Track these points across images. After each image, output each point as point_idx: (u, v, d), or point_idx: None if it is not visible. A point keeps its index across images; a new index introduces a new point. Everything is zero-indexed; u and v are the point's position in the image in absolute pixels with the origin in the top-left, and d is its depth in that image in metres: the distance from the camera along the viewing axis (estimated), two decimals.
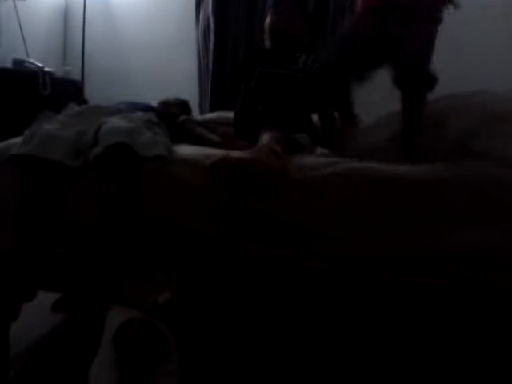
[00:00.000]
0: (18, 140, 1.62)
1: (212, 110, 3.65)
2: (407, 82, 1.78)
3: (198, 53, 4.01)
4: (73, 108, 1.87)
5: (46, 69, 3.23)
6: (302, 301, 1.56)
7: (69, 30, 4.22)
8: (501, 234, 1.43)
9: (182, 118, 2.09)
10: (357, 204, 1.50)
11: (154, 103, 2.23)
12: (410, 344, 1.64)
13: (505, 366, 1.54)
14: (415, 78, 1.75)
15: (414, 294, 1.49)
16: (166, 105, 2.23)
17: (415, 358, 1.71)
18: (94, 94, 3.66)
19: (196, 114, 3.22)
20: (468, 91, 1.85)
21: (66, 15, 4.24)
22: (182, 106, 2.32)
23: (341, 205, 1.50)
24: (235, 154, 1.55)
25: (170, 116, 2.05)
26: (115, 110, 1.83)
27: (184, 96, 2.44)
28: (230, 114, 2.32)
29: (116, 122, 1.62)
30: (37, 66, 3.22)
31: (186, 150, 1.69)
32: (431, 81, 1.74)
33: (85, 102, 2.51)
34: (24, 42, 3.54)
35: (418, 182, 1.50)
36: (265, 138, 1.67)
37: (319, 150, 2.08)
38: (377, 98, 2.36)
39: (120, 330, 1.09)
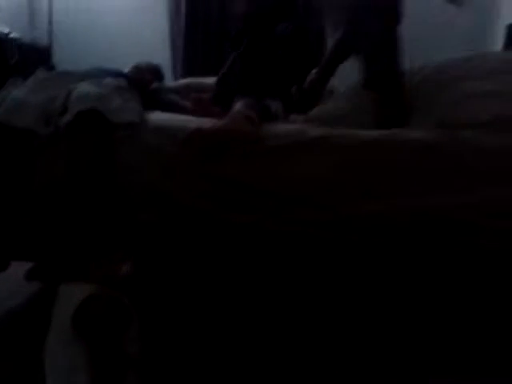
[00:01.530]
0: None
1: (185, 74, 3.60)
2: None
3: (170, 15, 3.92)
4: (41, 74, 1.81)
5: (13, 35, 3.12)
6: (279, 265, 1.58)
7: None
8: (471, 197, 1.46)
9: (154, 85, 2.06)
10: (330, 170, 1.51)
11: (125, 69, 2.18)
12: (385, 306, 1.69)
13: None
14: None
15: (388, 256, 1.52)
16: (138, 70, 2.18)
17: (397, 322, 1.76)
18: (62, 59, 3.56)
19: (169, 78, 3.18)
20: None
21: None
22: (154, 71, 2.28)
23: (314, 171, 1.51)
24: (209, 125, 1.54)
25: (143, 82, 2.02)
26: (84, 76, 1.79)
27: (156, 60, 2.39)
28: (203, 80, 2.30)
29: (86, 87, 1.59)
30: (1, 32, 3.10)
31: (158, 117, 1.67)
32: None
33: (53, 67, 2.45)
34: None
35: (390, 146, 1.51)
36: (239, 104, 1.66)
37: (294, 116, 2.08)
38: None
39: (80, 309, 1.07)
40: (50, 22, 3.86)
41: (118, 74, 1.95)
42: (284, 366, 1.56)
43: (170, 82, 2.86)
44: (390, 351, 1.64)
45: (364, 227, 1.49)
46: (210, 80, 2.33)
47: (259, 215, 1.51)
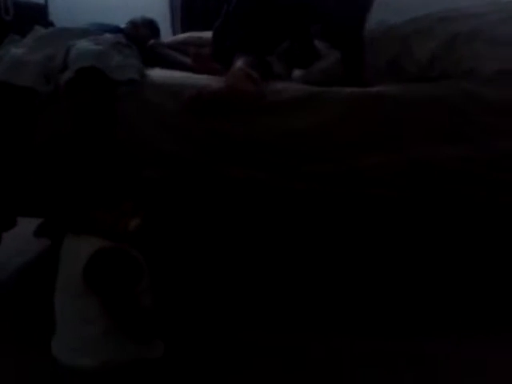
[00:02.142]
0: None
1: (184, 28, 3.53)
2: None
3: None
4: (39, 31, 1.79)
5: None
6: (282, 219, 1.61)
7: None
8: (473, 149, 1.47)
9: (153, 41, 2.03)
10: (332, 123, 1.51)
11: (122, 25, 2.15)
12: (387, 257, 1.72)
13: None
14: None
15: (388, 208, 1.54)
16: (133, 25, 2.13)
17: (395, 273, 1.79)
18: (58, 16, 3.49)
19: (167, 34, 3.13)
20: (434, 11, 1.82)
21: None
22: (150, 26, 2.22)
23: (315, 125, 1.51)
24: (210, 87, 1.53)
25: (140, 38, 1.99)
26: (83, 33, 1.77)
27: (154, 15, 2.34)
28: (202, 34, 2.26)
29: (85, 45, 1.58)
30: None
31: (158, 73, 1.66)
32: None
33: (51, 24, 2.41)
34: None
35: (391, 100, 1.50)
36: (240, 62, 1.64)
37: (296, 72, 2.05)
38: None
39: (90, 262, 1.07)
40: None
41: (116, 30, 1.93)
42: (284, 315, 1.60)
43: (168, 36, 2.81)
44: (388, 301, 1.67)
45: (365, 179, 1.50)
46: (209, 34, 2.29)
47: (263, 171, 1.53)
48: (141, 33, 2.08)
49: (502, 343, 1.47)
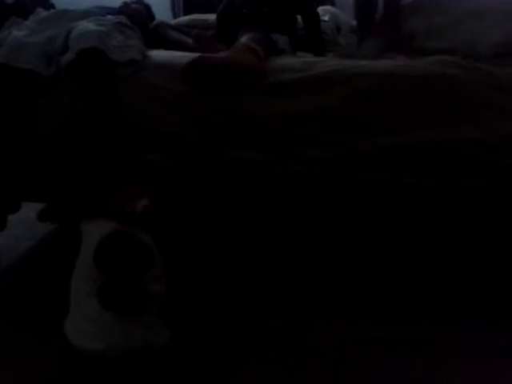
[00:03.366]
0: None
1: (186, 11, 3.49)
2: None
3: None
4: (40, 13, 1.78)
5: None
6: (285, 204, 1.58)
7: None
8: (495, 133, 1.44)
9: (156, 22, 2.00)
10: (338, 104, 1.48)
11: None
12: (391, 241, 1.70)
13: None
14: None
15: (396, 192, 1.52)
16: (125, 3, 2.06)
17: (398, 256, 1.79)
18: None
19: (168, 18, 3.10)
20: None
21: None
22: (142, 4, 2.15)
23: (322, 106, 1.48)
24: (211, 55, 1.51)
25: (140, 18, 1.95)
26: (84, 14, 1.74)
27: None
28: (204, 17, 2.23)
29: (86, 25, 1.56)
30: None
31: (160, 54, 1.64)
32: None
33: (52, 6, 2.37)
34: None
35: (406, 77, 1.47)
36: (244, 38, 1.62)
37: (301, 54, 2.03)
38: None
39: (100, 246, 1.09)
40: None
41: (118, 12, 1.90)
42: (288, 299, 1.60)
43: (169, 21, 2.77)
44: (390, 287, 1.67)
45: (371, 162, 1.48)
46: (213, 17, 2.26)
47: (266, 153, 1.51)
48: (133, 8, 2.01)
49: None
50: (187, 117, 1.50)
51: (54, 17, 1.74)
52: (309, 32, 2.01)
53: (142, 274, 1.12)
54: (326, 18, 2.42)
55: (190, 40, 1.89)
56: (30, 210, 1.56)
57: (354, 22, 2.34)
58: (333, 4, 2.92)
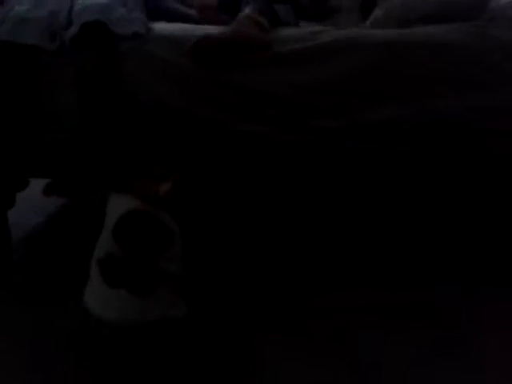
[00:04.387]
0: None
1: None
2: None
3: None
4: None
5: None
6: (290, 176, 1.59)
7: None
8: (499, 99, 1.43)
9: None
10: (344, 74, 1.47)
11: None
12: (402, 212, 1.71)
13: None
14: None
15: (407, 162, 1.52)
16: None
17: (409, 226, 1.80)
18: None
19: None
20: None
21: None
22: None
23: (327, 76, 1.47)
24: (215, 32, 1.50)
25: None
26: None
27: None
28: None
29: None
30: None
31: (163, 27, 1.61)
32: None
33: None
34: None
35: (411, 45, 1.46)
36: (247, 9, 1.60)
37: (304, 23, 2.00)
38: None
39: (120, 222, 1.12)
40: None
41: None
42: (292, 269, 1.63)
43: None
44: (392, 253, 1.69)
45: (375, 133, 1.47)
46: None
47: (271, 125, 1.50)
48: None
49: None
50: (192, 90, 1.49)
51: None
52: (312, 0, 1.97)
53: (158, 253, 1.14)
54: None
55: (192, 11, 1.86)
56: (37, 187, 1.58)
57: None
58: None
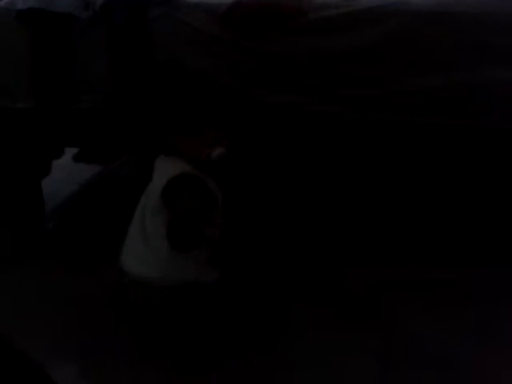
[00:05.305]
0: None
1: None
2: None
3: None
4: None
5: None
6: (316, 146, 1.55)
7: None
8: None
9: None
10: (377, 43, 1.40)
11: None
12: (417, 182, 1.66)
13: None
14: None
15: (429, 133, 1.46)
16: None
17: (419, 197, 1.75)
18: None
19: None
20: None
21: None
22: None
23: (360, 44, 1.41)
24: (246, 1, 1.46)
25: None
26: None
27: None
28: None
29: None
30: None
31: None
32: None
33: None
34: None
35: (448, 15, 1.38)
36: None
37: None
38: None
39: (169, 183, 1.12)
40: None
41: None
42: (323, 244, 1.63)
43: None
44: (426, 231, 1.67)
45: (405, 104, 1.42)
46: None
47: (302, 95, 1.46)
48: None
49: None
50: (220, 57, 1.47)
51: None
52: None
53: (202, 216, 1.14)
54: None
55: None
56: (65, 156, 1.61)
57: None
58: None
